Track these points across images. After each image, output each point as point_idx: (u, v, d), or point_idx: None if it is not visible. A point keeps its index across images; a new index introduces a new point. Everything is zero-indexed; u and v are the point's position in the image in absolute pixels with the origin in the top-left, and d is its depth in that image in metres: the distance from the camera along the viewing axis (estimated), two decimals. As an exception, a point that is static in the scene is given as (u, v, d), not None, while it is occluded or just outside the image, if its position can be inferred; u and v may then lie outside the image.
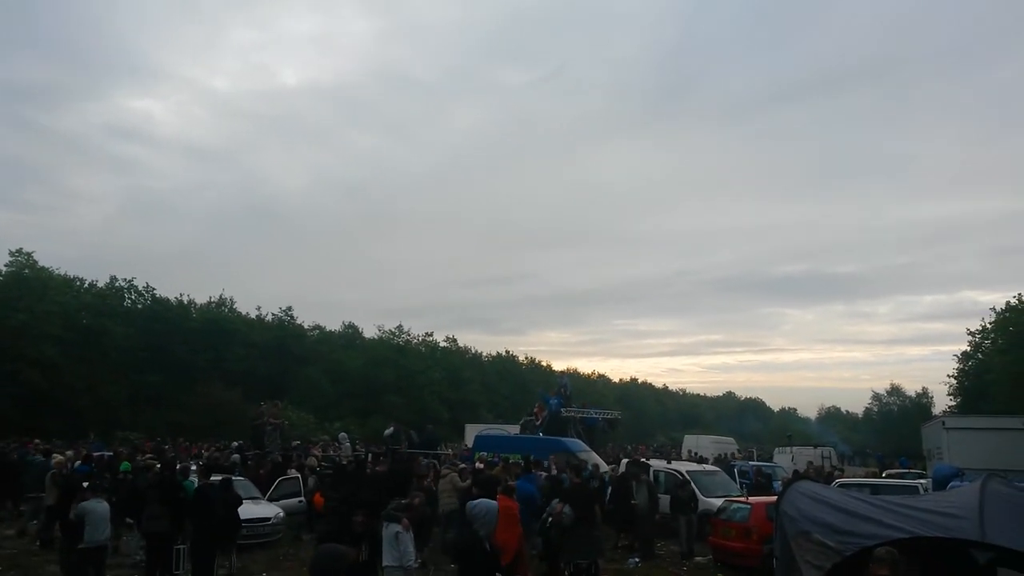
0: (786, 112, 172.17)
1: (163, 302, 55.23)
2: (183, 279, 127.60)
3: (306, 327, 66.21)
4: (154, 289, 55.20)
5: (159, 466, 13.92)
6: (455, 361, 74.45)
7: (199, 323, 55.40)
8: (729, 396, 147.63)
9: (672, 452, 39.56)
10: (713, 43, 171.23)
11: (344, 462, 20.70)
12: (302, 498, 18.43)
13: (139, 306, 54.15)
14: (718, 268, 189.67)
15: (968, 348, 48.71)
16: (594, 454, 22.46)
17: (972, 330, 47.19)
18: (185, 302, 57.37)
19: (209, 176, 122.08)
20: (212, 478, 12.92)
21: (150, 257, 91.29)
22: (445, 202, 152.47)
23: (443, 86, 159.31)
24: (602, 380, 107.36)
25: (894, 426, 72.86)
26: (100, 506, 11.00)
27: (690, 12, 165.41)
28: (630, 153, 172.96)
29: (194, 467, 16.36)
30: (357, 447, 27.05)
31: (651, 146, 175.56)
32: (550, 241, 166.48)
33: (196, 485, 12.52)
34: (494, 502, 9.64)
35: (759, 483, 20.70)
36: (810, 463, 28.39)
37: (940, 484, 14.19)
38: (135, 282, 54.23)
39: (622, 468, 20.54)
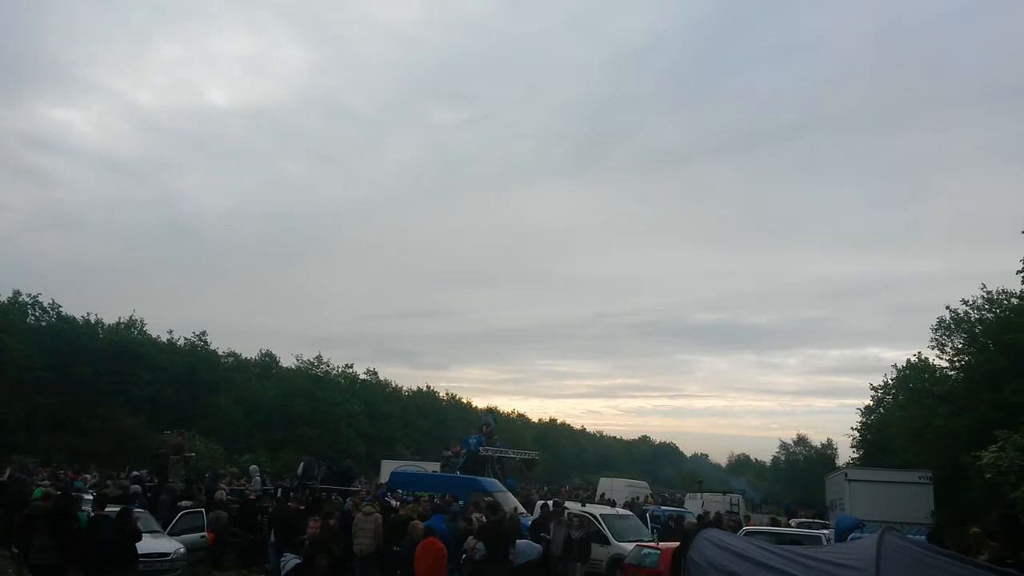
0: (709, 166, 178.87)
1: (69, 320, 52.70)
2: (92, 297, 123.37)
3: (220, 353, 64.09)
4: (60, 306, 52.72)
5: (57, 494, 13.20)
6: (375, 394, 73.17)
7: (106, 344, 52.94)
8: (644, 440, 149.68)
9: (587, 495, 39.66)
10: (641, 97, 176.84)
11: (252, 496, 20.03)
12: (204, 533, 17.73)
13: (43, 323, 51.60)
14: (639, 313, 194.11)
15: (871, 402, 50.75)
16: (510, 494, 22.37)
17: (875, 385, 49.24)
18: (92, 321, 54.79)
19: (127, 192, 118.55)
20: (108, 508, 12.31)
21: (57, 272, 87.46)
22: (373, 234, 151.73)
23: (377, 119, 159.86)
24: (521, 419, 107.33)
25: (800, 475, 75.12)
26: None
27: (619, 66, 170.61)
28: (558, 197, 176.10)
29: (88, 496, 15.51)
30: (266, 482, 26.21)
31: (578, 192, 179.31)
32: (476, 279, 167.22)
33: (89, 516, 11.91)
34: (537, 544, 9.29)
35: (671, 528, 20.97)
36: (726, 511, 28.94)
37: (841, 535, 14.69)
38: (40, 298, 51.85)
39: (537, 511, 20.51)
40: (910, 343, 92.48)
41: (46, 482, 19.95)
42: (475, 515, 15.57)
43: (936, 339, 37.11)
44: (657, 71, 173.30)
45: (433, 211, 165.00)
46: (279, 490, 22.08)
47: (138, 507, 17.01)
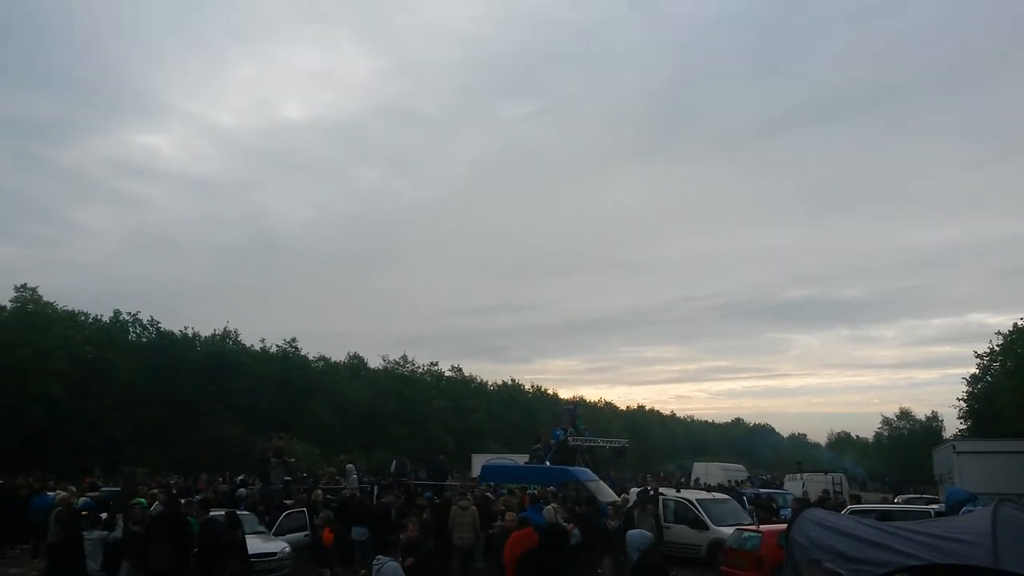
0: (787, 139, 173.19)
1: (167, 335, 55.20)
2: (187, 312, 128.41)
3: (311, 359, 66.10)
4: (158, 323, 55.24)
5: (163, 501, 13.84)
6: (460, 390, 74.17)
7: (203, 356, 55.29)
8: (737, 422, 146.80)
9: (681, 480, 39.17)
10: (711, 74, 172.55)
11: (348, 494, 20.55)
12: (307, 532, 18.29)
13: (143, 340, 54.16)
14: (723, 294, 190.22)
15: (977, 371, 48.53)
16: (603, 483, 22.27)
17: (980, 353, 47.05)
18: (189, 335, 57.26)
19: (213, 210, 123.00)
20: (212, 512, 12.84)
21: (154, 291, 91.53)
22: (449, 232, 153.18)
23: (444, 119, 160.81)
24: (609, 408, 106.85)
25: (905, 451, 72.28)
26: (92, 535, 10.92)
27: (687, 45, 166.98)
28: (633, 182, 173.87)
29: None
30: (363, 479, 26.87)
31: (653, 175, 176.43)
32: (554, 270, 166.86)
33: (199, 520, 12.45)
34: (649, 533, 9.22)
35: (762, 506, 20.52)
36: (825, 490, 28.12)
37: (953, 509, 14.03)
38: (139, 316, 54.37)
39: (632, 498, 20.37)
40: (1016, 307, 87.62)
41: (155, 490, 20.91)
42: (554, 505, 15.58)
43: (1045, 300, 35.12)
44: (726, 48, 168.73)
45: (507, 205, 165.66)
46: (375, 487, 22.58)
47: (243, 510, 17.72)
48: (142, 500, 16.51)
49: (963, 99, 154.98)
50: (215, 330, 59.12)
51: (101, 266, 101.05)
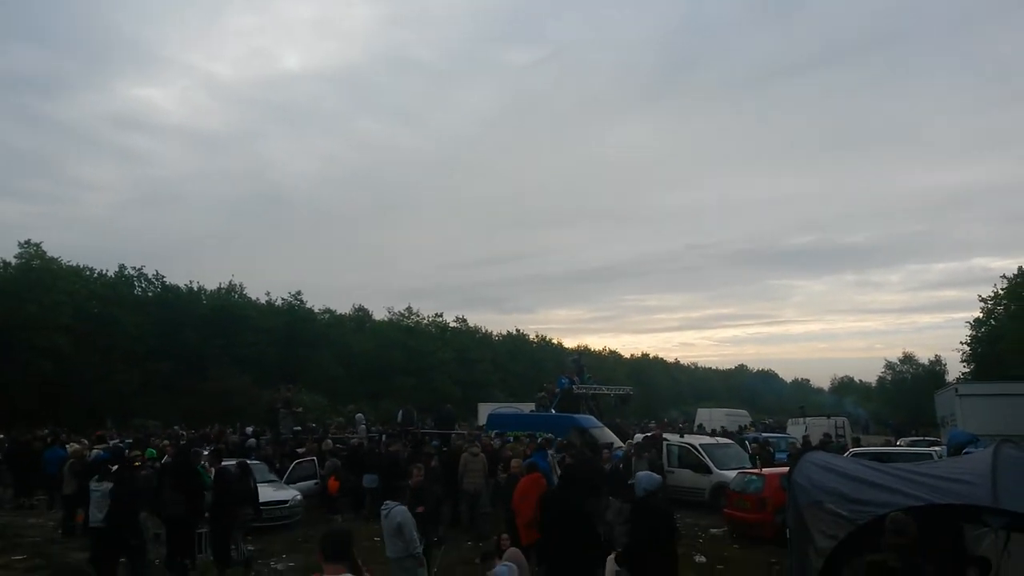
0: (792, 84, 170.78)
1: (173, 289, 55.44)
2: (192, 266, 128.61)
3: (316, 311, 66.45)
4: (163, 276, 55.46)
5: (171, 453, 14.05)
6: (465, 341, 74.59)
7: (209, 310, 55.57)
8: (741, 369, 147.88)
9: (684, 426, 39.61)
10: (716, 20, 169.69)
11: (357, 443, 20.85)
12: (318, 480, 18.62)
13: (149, 294, 54.41)
14: (727, 241, 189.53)
15: (980, 315, 48.60)
16: (607, 430, 22.52)
17: (984, 297, 47.05)
18: (195, 289, 57.54)
19: (215, 163, 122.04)
20: (224, 462, 13.05)
21: (159, 245, 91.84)
22: (452, 183, 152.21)
23: (447, 68, 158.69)
24: (613, 356, 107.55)
25: (908, 395, 72.81)
26: (100, 487, 11.11)
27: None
28: (636, 130, 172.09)
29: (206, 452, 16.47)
30: (371, 429, 27.24)
31: (657, 123, 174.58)
32: (558, 219, 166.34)
33: (212, 470, 12.65)
34: (657, 476, 9.38)
35: (762, 453, 20.76)
36: (826, 434, 28.45)
37: (955, 451, 14.18)
38: (144, 270, 54.59)
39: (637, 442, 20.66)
40: (1021, 251, 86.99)
41: (166, 442, 21.24)
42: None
43: (1050, 244, 35.01)
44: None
45: (512, 155, 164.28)
46: (383, 436, 22.88)
47: (254, 459, 18.01)
48: (152, 451, 16.82)
49: (971, 42, 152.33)
50: (220, 284, 59.39)
51: (104, 221, 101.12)
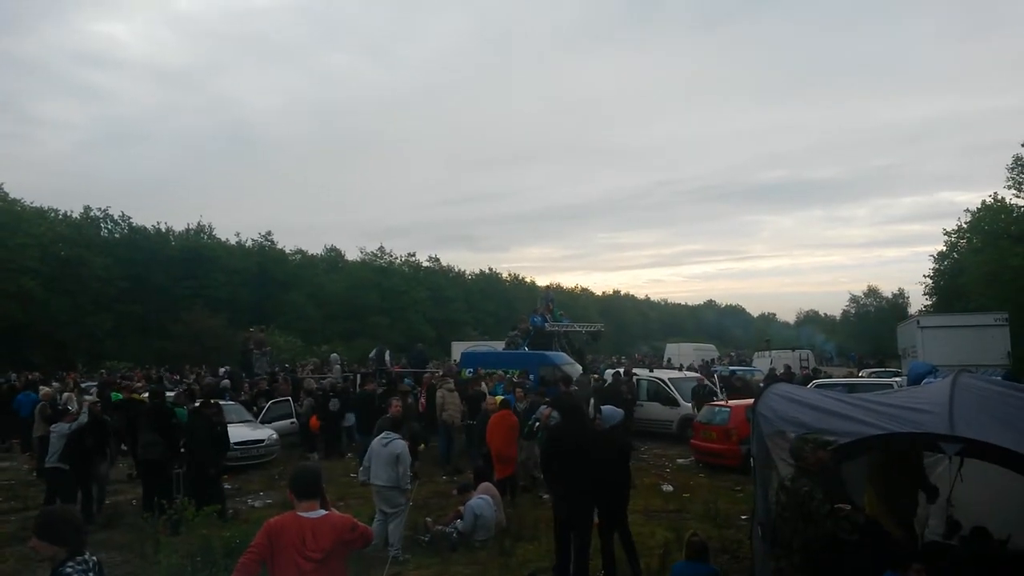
0: (761, 17, 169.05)
1: (140, 231, 54.61)
2: (159, 207, 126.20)
3: (287, 252, 65.95)
4: (130, 218, 54.61)
5: (149, 394, 14.03)
6: (438, 280, 74.65)
7: (178, 251, 54.94)
8: (710, 304, 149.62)
9: (652, 360, 40.30)
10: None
11: (332, 383, 20.99)
12: (294, 419, 18.78)
13: (116, 236, 53.55)
14: (697, 178, 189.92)
15: (944, 248, 49.43)
16: (578, 366, 22.85)
17: (948, 230, 47.79)
18: (163, 230, 56.80)
19: (180, 100, 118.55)
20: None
21: (124, 185, 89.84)
22: (423, 120, 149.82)
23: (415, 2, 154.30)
24: (585, 294, 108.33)
25: (871, 327, 74.46)
26: (57, 428, 11.16)
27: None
28: (608, 64, 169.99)
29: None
30: (346, 369, 27.38)
31: (628, 56, 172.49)
32: (531, 156, 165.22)
33: (188, 410, 12.70)
34: (620, 410, 9.75)
35: (734, 386, 21.20)
36: (787, 366, 29.15)
37: (915, 381, 14.59)
38: (110, 211, 53.63)
39: (608, 379, 21.01)
40: (985, 185, 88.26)
41: (139, 383, 21.22)
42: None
43: (1013, 178, 35.68)
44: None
45: (481, 92, 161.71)
46: (359, 376, 23.01)
47: (228, 400, 18.10)
48: (118, 395, 16.77)
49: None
50: (188, 224, 58.67)
51: (67, 161, 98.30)
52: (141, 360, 39.61)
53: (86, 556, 3.67)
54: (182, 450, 11.89)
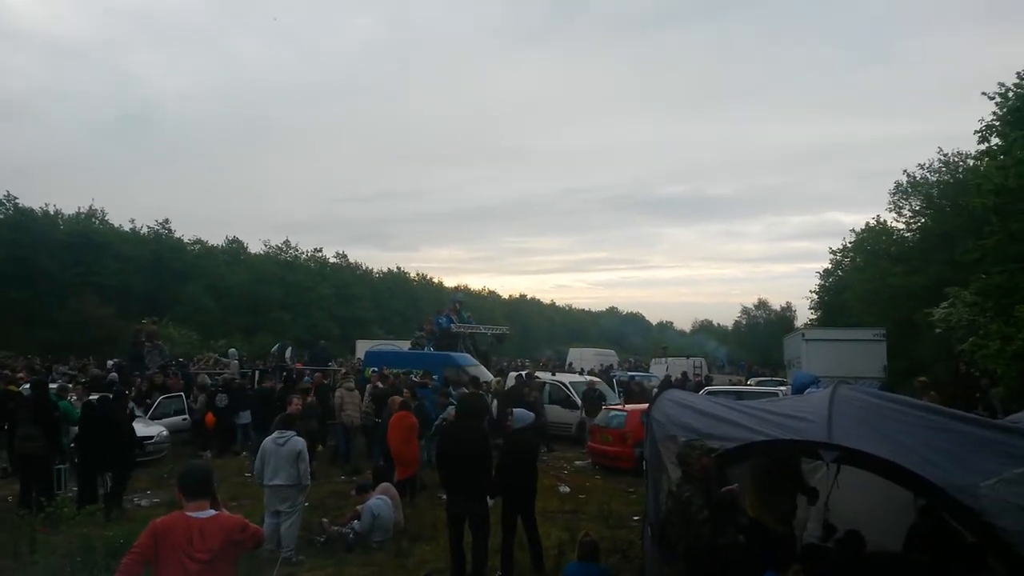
0: (671, 34, 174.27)
1: (26, 212, 51.30)
2: (48, 189, 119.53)
3: (186, 241, 63.41)
4: (16, 198, 51.13)
5: (31, 385, 13.30)
6: (345, 277, 73.38)
7: (67, 235, 51.99)
8: (612, 311, 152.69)
9: (556, 364, 40.83)
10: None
11: (229, 379, 20.39)
12: (185, 416, 18.15)
13: (0, 216, 50.27)
14: (604, 187, 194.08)
15: (829, 266, 52.06)
16: (483, 368, 22.98)
17: (834, 249, 50.34)
18: (51, 212, 53.64)
19: (75, 77, 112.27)
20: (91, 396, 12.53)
21: (9, 164, 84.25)
22: (335, 114, 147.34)
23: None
24: (492, 296, 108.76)
25: (760, 338, 77.78)
26: None
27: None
28: (522, 69, 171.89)
29: (70, 385, 15.69)
30: (245, 365, 26.60)
31: (543, 63, 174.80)
32: (442, 158, 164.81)
33: (78, 403, 12.14)
34: (531, 413, 9.97)
35: (633, 391, 21.78)
36: (684, 372, 30.15)
37: (799, 390, 15.36)
38: (-6, 190, 50.15)
39: (510, 382, 21.20)
40: (870, 207, 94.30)
41: (21, 374, 20.01)
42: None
43: (894, 202, 38.10)
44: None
45: (397, 88, 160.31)
46: (257, 372, 22.44)
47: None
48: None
49: (832, 6, 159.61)
50: (79, 208, 55.66)
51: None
52: (24, 349, 37.26)
53: None
54: (72, 445, 11.37)
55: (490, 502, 8.27)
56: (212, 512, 4.25)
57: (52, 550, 7.16)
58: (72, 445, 11.90)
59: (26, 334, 42.57)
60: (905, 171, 37.36)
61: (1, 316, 43.91)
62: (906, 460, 5.23)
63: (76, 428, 11.87)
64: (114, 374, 21.53)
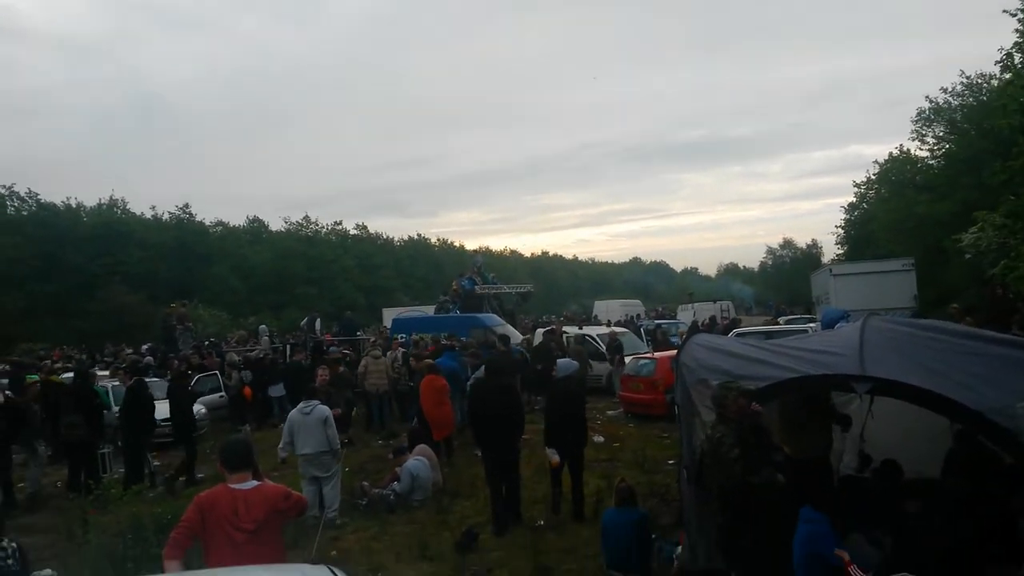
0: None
1: (49, 207, 51.91)
2: (68, 183, 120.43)
3: (207, 224, 63.90)
4: (38, 195, 51.73)
5: (74, 374, 13.62)
6: (367, 248, 73.75)
7: (91, 227, 52.57)
8: (635, 262, 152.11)
9: (583, 318, 40.88)
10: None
11: (261, 355, 20.66)
12: (222, 393, 18.45)
13: (24, 213, 50.87)
14: (620, 139, 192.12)
15: (854, 199, 51.31)
16: (510, 327, 23.06)
17: (858, 182, 49.55)
18: (73, 206, 54.23)
19: (88, 71, 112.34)
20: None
21: (29, 161, 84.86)
22: (343, 86, 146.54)
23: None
24: (514, 256, 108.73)
25: (787, 277, 77.08)
26: None
27: None
28: (531, 27, 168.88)
29: (103, 372, 16.03)
30: (275, 340, 26.93)
31: (551, 20, 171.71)
32: (454, 120, 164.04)
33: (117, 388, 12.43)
34: (575, 362, 10.53)
35: (658, 340, 21.76)
36: (712, 316, 30.02)
37: (828, 326, 15.25)
38: (15, 188, 50.75)
39: (539, 337, 21.26)
40: (892, 138, 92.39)
41: (59, 364, 20.45)
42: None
43: (917, 130, 37.21)
44: None
45: (403, 55, 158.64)
46: (287, 346, 22.71)
47: (153, 378, 17.62)
48: (34, 376, 16.17)
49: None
50: (100, 199, 56.16)
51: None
52: (59, 340, 37.98)
53: (4, 543, 3.60)
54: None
55: (552, 454, 8.67)
56: (255, 483, 4.33)
57: (103, 530, 7.35)
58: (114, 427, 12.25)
59: (59, 326, 43.37)
60: (927, 97, 36.39)
61: (33, 310, 44.71)
62: (941, 386, 5.18)
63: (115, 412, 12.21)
64: (149, 358, 21.92)
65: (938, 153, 36.56)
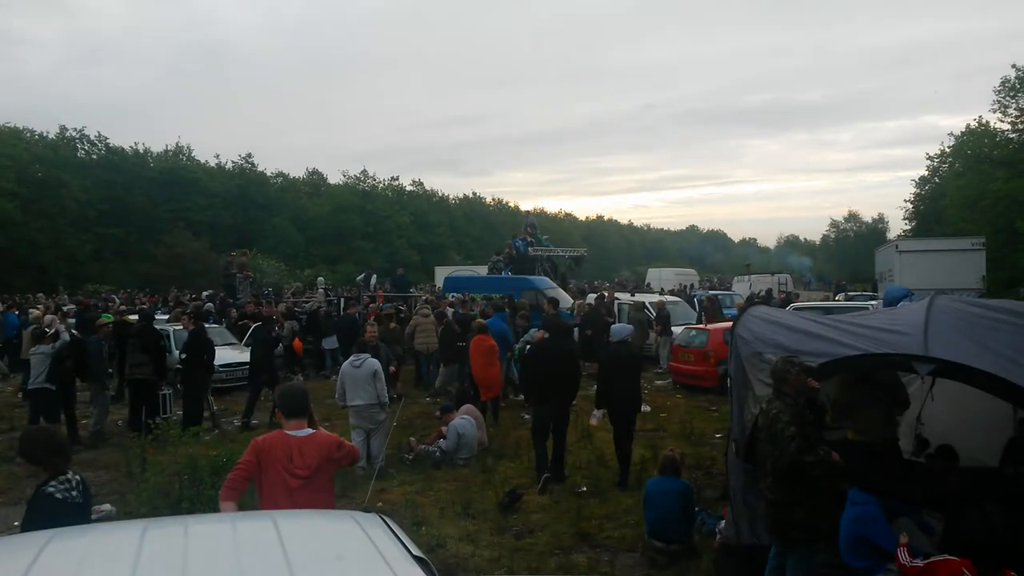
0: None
1: (118, 152, 53.40)
2: (136, 127, 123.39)
3: (268, 174, 64.94)
4: (107, 138, 53.27)
5: (139, 315, 14.10)
6: (422, 205, 74.15)
7: (158, 173, 53.96)
8: (692, 230, 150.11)
9: (634, 285, 40.56)
10: None
11: (316, 307, 21.04)
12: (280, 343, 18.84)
13: (93, 156, 52.40)
14: (684, 101, 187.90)
15: (926, 173, 49.53)
16: (561, 291, 23.00)
17: (931, 155, 47.77)
18: (141, 151, 55.60)
19: (155, 17, 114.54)
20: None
21: (98, 105, 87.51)
22: (406, 40, 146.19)
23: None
24: (568, 218, 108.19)
25: (850, 252, 75.08)
26: (38, 350, 11.22)
27: None
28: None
29: (162, 316, 16.55)
30: (329, 293, 27.41)
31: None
32: (514, 79, 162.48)
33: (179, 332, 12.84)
34: (629, 326, 10.77)
35: (708, 309, 21.43)
36: (768, 289, 29.46)
37: (890, 304, 14.83)
38: (86, 131, 52.27)
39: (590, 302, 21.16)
40: (970, 109, 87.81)
41: (123, 307, 21.14)
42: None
43: (999, 101, 35.34)
44: None
45: (465, 11, 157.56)
46: (342, 300, 23.08)
47: (213, 323, 18.13)
48: (109, 316, 16.77)
49: None
50: (167, 145, 57.49)
51: (39, 80, 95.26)
52: (123, 283, 39.32)
53: (69, 475, 3.74)
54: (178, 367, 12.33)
55: (598, 414, 9.06)
56: (310, 431, 4.42)
57: (161, 469, 7.61)
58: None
59: (124, 269, 44.81)
60: (1014, 65, 34.37)
61: (100, 252, 46.24)
62: (1010, 373, 4.99)
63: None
64: (209, 304, 22.52)
65: (1020, 126, 34.74)
